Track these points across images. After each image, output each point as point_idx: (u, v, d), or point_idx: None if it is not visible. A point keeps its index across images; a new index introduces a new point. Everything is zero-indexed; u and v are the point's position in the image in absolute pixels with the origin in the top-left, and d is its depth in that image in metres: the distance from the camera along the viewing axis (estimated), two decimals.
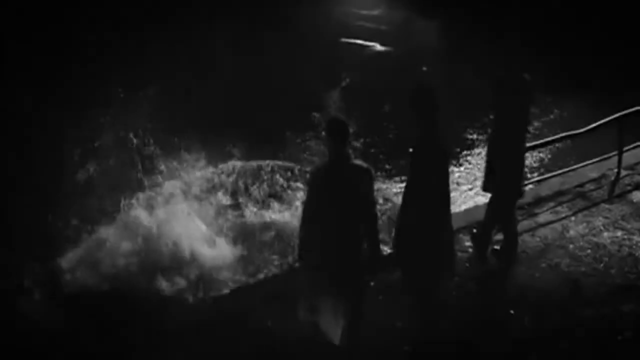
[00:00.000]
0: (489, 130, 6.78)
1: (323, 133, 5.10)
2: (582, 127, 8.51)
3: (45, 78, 12.15)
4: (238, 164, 10.00)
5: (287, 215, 8.99)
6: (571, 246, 7.35)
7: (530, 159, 10.37)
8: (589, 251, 7.26)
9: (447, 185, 5.29)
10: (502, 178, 6.55)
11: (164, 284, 7.62)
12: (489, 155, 6.73)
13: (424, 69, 14.94)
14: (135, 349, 5.92)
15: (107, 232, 8.32)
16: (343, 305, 5.06)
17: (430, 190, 5.18)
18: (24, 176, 9.37)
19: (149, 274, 7.73)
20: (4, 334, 6.50)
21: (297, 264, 5.51)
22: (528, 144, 7.80)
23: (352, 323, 5.12)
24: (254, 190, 9.49)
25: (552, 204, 8.31)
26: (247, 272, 7.97)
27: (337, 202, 4.83)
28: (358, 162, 4.96)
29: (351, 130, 5.00)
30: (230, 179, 9.67)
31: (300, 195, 9.19)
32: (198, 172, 9.65)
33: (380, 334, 5.86)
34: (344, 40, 16.67)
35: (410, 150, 5.15)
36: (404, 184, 5.49)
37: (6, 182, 9.16)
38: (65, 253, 8.03)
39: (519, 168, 6.69)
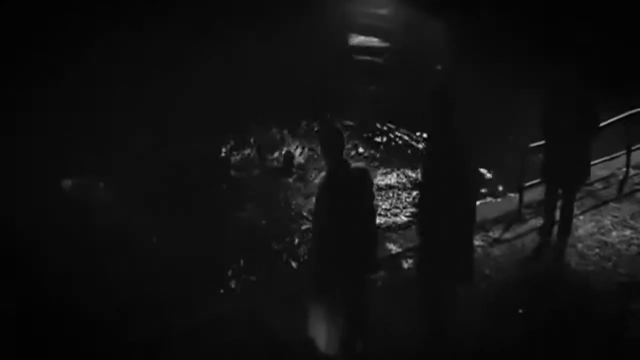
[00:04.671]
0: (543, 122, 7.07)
1: (319, 144, 5.30)
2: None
3: None
4: None
5: None
6: (580, 245, 7.38)
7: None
8: (597, 250, 7.29)
9: (467, 180, 5.33)
10: (556, 166, 7.00)
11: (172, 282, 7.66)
12: (545, 145, 7.10)
13: (438, 67, 14.98)
14: (138, 348, 5.96)
15: None
16: (348, 305, 5.24)
17: (449, 188, 5.21)
18: None
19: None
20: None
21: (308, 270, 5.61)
22: (537, 143, 7.87)
23: (357, 323, 5.34)
24: None
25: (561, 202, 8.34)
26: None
27: (346, 206, 5.03)
28: (356, 164, 5.31)
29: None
30: None
31: None
32: None
33: (387, 335, 5.94)
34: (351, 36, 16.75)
35: (427, 148, 5.28)
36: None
37: None
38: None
39: (576, 156, 6.91)
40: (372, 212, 5.32)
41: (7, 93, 11.74)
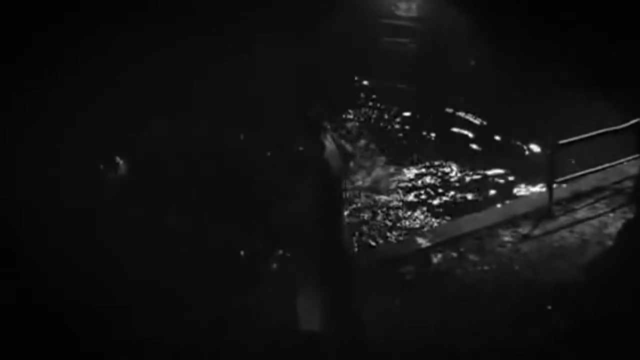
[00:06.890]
0: None
1: (300, 126, 5.58)
2: (620, 124, 8.50)
3: None
4: None
5: None
6: (608, 242, 7.41)
7: (569, 155, 10.41)
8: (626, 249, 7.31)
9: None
10: None
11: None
12: None
13: (472, 63, 14.95)
14: (142, 345, 5.97)
15: None
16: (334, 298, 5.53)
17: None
18: None
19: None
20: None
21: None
22: (566, 140, 7.94)
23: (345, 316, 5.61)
24: None
25: (590, 200, 8.39)
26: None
27: (328, 183, 5.47)
28: (330, 145, 5.58)
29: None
30: None
31: None
32: None
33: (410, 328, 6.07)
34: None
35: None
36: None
37: None
38: None
39: None
40: (341, 185, 5.73)
41: (7, 93, 11.89)
